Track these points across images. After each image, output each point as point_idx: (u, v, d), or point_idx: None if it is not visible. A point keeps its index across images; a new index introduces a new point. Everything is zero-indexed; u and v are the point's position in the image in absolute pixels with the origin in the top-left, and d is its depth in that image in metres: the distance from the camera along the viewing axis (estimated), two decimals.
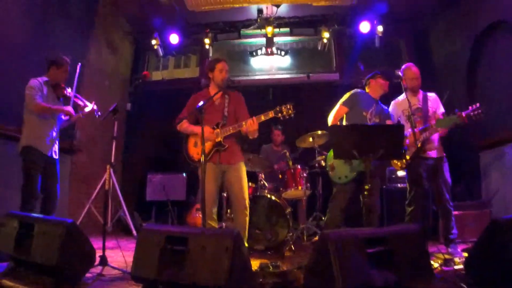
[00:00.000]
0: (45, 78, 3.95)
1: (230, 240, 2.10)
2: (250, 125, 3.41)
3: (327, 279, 1.93)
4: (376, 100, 3.99)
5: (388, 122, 3.95)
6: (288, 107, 3.40)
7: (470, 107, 3.47)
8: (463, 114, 3.47)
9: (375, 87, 4.00)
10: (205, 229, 2.73)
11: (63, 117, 4.12)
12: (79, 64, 4.23)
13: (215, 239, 2.18)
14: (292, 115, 3.41)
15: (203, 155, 3.09)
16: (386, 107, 4.07)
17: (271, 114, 3.42)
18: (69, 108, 3.96)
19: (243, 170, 3.68)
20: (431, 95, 4.06)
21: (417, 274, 2.09)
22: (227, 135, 3.57)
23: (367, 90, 4.06)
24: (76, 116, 4.22)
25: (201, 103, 3.25)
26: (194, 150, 3.66)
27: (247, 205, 3.58)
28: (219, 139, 3.55)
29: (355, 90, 4.04)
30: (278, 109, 3.41)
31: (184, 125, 3.71)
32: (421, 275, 2.11)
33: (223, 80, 3.65)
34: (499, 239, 1.94)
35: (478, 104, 3.44)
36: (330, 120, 3.98)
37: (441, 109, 3.98)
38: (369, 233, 2.16)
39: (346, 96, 4.00)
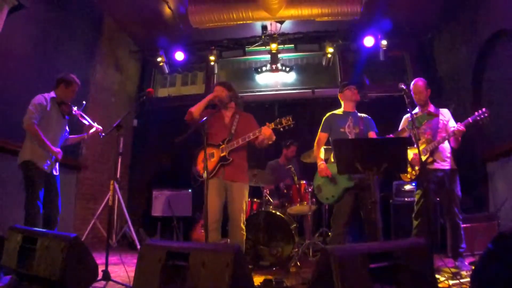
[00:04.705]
0: (52, 95, 3.95)
1: (231, 255, 2.07)
2: (266, 130, 3.49)
3: None
4: (350, 112, 4.00)
5: (371, 133, 3.92)
6: (288, 118, 3.52)
7: (476, 112, 3.61)
8: (470, 119, 3.61)
9: (345, 101, 4.06)
10: (206, 245, 2.71)
11: (66, 133, 4.13)
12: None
13: (216, 254, 2.15)
14: (291, 125, 3.51)
15: (205, 171, 3.18)
16: (365, 115, 4.04)
17: (272, 126, 3.52)
18: (58, 151, 3.88)
19: (245, 190, 3.70)
20: (443, 110, 4.06)
21: None
22: (233, 149, 3.62)
23: (342, 105, 4.10)
24: (81, 137, 4.30)
25: (204, 118, 3.38)
26: (202, 165, 3.67)
27: (243, 226, 3.59)
28: (224, 153, 3.61)
29: (328, 113, 4.08)
30: (278, 121, 3.53)
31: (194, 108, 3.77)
32: None
33: (219, 100, 3.78)
34: (506, 251, 1.89)
35: (484, 109, 3.58)
36: (315, 148, 4.04)
37: (452, 123, 3.94)
38: (372, 248, 2.12)
39: (322, 122, 4.06)
